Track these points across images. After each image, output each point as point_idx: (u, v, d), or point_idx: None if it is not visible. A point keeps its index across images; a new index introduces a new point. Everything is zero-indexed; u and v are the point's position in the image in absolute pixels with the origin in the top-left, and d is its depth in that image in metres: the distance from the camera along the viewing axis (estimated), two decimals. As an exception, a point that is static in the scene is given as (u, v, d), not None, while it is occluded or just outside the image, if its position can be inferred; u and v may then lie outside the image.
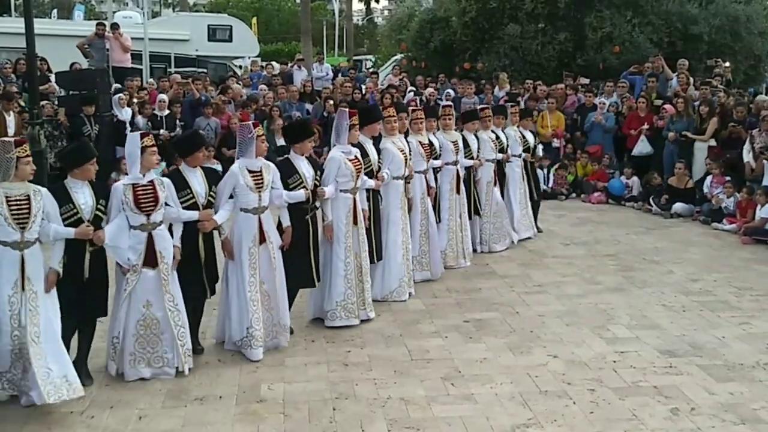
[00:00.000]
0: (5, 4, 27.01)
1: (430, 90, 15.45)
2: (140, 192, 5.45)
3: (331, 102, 13.78)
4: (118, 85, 13.51)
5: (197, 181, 5.87)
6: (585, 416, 5.18)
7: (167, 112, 12.68)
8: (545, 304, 7.59)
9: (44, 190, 5.13)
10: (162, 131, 12.45)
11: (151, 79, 15.58)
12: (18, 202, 4.94)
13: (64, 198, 5.26)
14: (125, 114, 12.36)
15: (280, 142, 13.09)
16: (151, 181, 5.55)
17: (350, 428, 4.99)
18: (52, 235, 5.13)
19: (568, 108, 14.49)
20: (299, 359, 6.11)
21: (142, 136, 5.62)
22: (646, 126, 12.83)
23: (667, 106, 12.73)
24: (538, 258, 9.38)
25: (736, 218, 10.74)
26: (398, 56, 23.01)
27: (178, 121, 12.79)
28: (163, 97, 12.92)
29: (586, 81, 15.84)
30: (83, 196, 5.32)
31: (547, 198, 13.01)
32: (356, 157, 6.74)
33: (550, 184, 13.38)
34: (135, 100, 12.79)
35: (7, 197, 4.91)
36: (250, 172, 5.99)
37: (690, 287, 8.13)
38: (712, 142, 11.95)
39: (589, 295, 7.86)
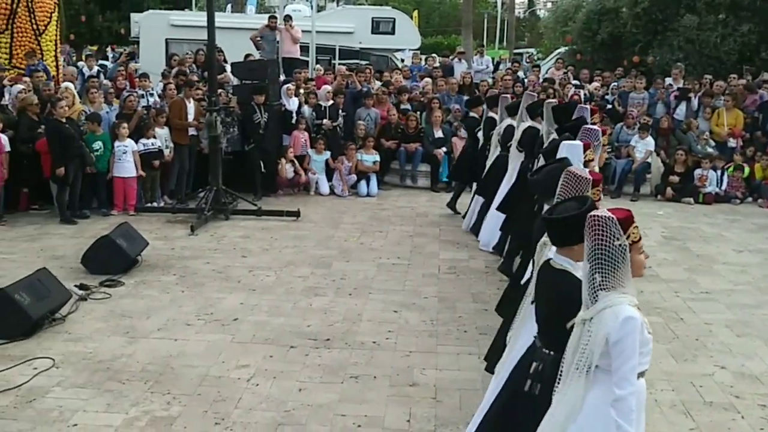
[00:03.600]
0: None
1: (595, 84, 14.94)
2: None
3: (492, 95, 13.67)
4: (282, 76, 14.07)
5: None
6: (754, 432, 4.87)
7: (331, 102, 13.07)
8: (713, 312, 7.18)
9: None
10: (325, 121, 12.87)
11: (318, 65, 16.13)
12: None
13: None
14: (292, 104, 12.87)
15: (438, 134, 13.20)
16: None
17: (501, 420, 4.97)
18: None
19: (749, 106, 13.55)
20: (451, 348, 6.17)
21: (585, 147, 4.60)
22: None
23: None
24: (707, 264, 8.88)
25: None
26: (562, 49, 22.48)
27: (340, 111, 13.16)
28: (328, 87, 13.34)
29: (771, 77, 14.74)
30: None
31: (719, 201, 12.34)
32: None
33: (724, 187, 12.60)
34: (302, 91, 13.27)
35: None
36: None
37: None
38: None
39: (765, 306, 7.36)
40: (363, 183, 12.55)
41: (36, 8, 13.12)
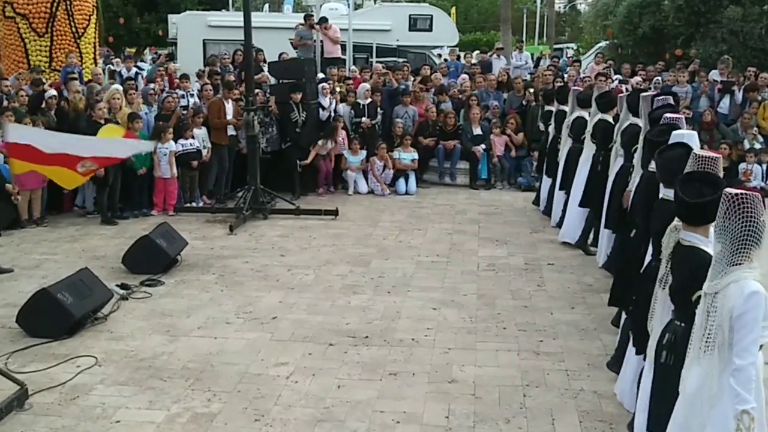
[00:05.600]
0: (223, 0, 29.15)
1: (637, 79, 14.69)
2: None
3: (531, 90, 13.53)
4: (321, 75, 14.10)
5: None
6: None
7: (369, 100, 13.05)
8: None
9: None
10: (364, 119, 12.85)
11: (354, 66, 16.12)
12: None
13: None
14: (326, 102, 12.82)
15: (477, 131, 13.10)
16: None
17: (540, 416, 4.94)
18: None
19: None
20: (490, 344, 6.12)
21: None
22: None
23: None
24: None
25: None
26: (602, 44, 22.17)
27: (378, 110, 13.13)
28: (367, 85, 13.32)
29: (817, 68, 14.31)
30: None
31: (764, 195, 11.98)
32: None
33: (768, 182, 12.35)
34: (338, 89, 13.25)
35: None
36: None
37: None
38: None
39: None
40: (401, 181, 12.52)
41: (75, 11, 13.36)
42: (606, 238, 7.92)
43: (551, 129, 10.74)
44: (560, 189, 9.76)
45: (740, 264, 3.14)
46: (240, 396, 5.19)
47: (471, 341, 6.18)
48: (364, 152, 12.55)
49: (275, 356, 5.85)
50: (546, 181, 10.82)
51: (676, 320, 3.67)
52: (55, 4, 13.06)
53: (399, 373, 5.56)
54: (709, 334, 3.21)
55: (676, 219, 3.84)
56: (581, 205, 8.79)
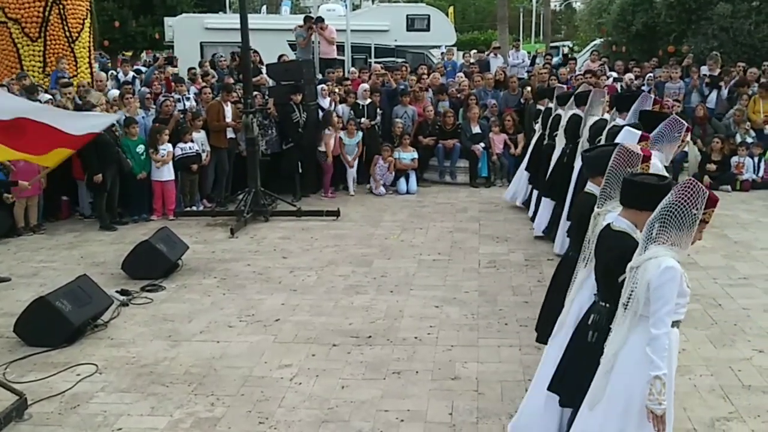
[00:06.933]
0: (220, 2, 29.07)
1: (630, 75, 14.70)
2: None
3: (529, 89, 13.50)
4: (319, 76, 14.09)
5: None
6: (799, 417, 4.74)
7: (369, 101, 13.04)
8: (751, 297, 7.08)
9: None
10: (363, 120, 12.84)
11: (353, 68, 16.10)
12: None
13: None
14: (325, 104, 12.80)
15: (476, 130, 13.08)
16: None
17: (545, 412, 4.90)
18: None
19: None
20: (492, 341, 6.12)
21: (643, 138, 4.88)
22: None
23: None
24: (745, 250, 8.72)
25: None
26: (597, 41, 22.21)
27: (377, 110, 13.13)
28: (366, 86, 13.30)
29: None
30: None
31: (756, 188, 12.16)
32: None
33: (761, 174, 12.43)
34: (337, 90, 13.23)
35: None
36: None
37: None
38: None
39: (806, 290, 7.18)
40: (402, 180, 12.51)
41: (68, 15, 13.21)
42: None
43: (538, 127, 10.77)
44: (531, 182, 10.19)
45: (662, 243, 3.31)
46: (243, 399, 5.18)
47: (473, 338, 6.18)
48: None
49: (278, 358, 5.84)
50: (525, 176, 10.93)
51: (601, 301, 3.82)
52: (48, 9, 12.91)
53: (402, 371, 5.55)
54: (627, 303, 3.45)
55: (597, 206, 4.06)
56: (545, 195, 9.08)
